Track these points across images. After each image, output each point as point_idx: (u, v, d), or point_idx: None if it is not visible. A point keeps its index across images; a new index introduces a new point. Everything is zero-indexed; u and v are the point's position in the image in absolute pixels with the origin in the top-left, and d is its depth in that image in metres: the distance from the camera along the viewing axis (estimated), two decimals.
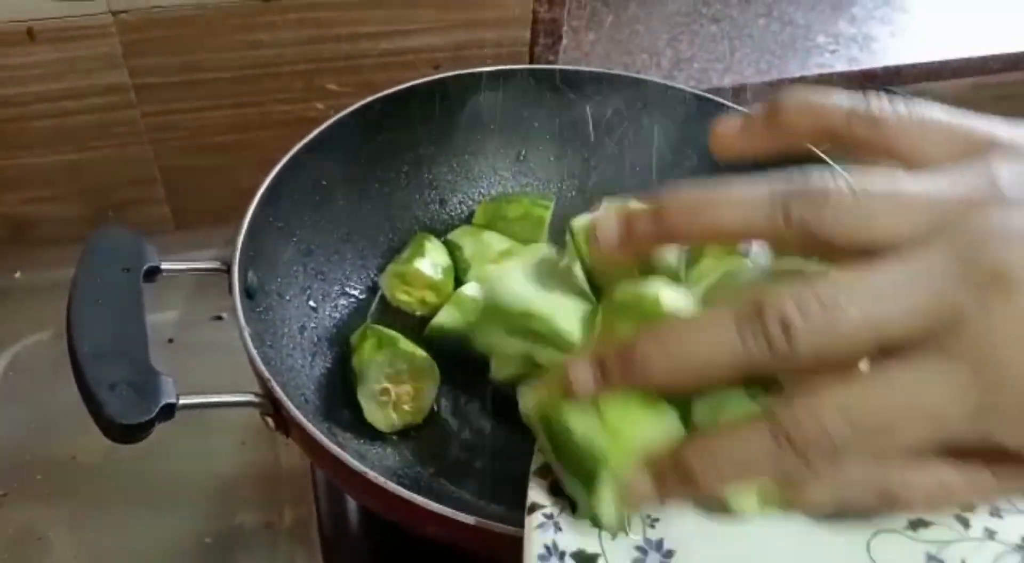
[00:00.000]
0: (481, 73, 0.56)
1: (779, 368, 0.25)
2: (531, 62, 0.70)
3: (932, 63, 0.82)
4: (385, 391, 0.44)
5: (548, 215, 0.57)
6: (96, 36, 0.60)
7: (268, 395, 0.38)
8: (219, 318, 0.58)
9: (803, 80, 0.78)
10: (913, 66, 0.82)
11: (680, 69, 0.78)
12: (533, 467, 0.29)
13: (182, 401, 0.36)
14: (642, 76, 0.59)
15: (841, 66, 0.80)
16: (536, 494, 0.28)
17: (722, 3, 0.88)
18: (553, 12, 0.67)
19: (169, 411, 0.35)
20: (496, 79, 0.57)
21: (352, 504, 0.49)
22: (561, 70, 0.59)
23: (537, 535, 0.27)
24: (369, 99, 0.54)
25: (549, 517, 0.28)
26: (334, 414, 0.46)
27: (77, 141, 0.65)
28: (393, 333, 0.48)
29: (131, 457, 0.49)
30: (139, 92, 0.63)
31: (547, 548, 0.27)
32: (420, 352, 0.47)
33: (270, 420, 0.39)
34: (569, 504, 0.29)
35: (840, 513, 0.27)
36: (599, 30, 0.83)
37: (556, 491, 0.29)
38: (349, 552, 0.48)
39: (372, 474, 0.34)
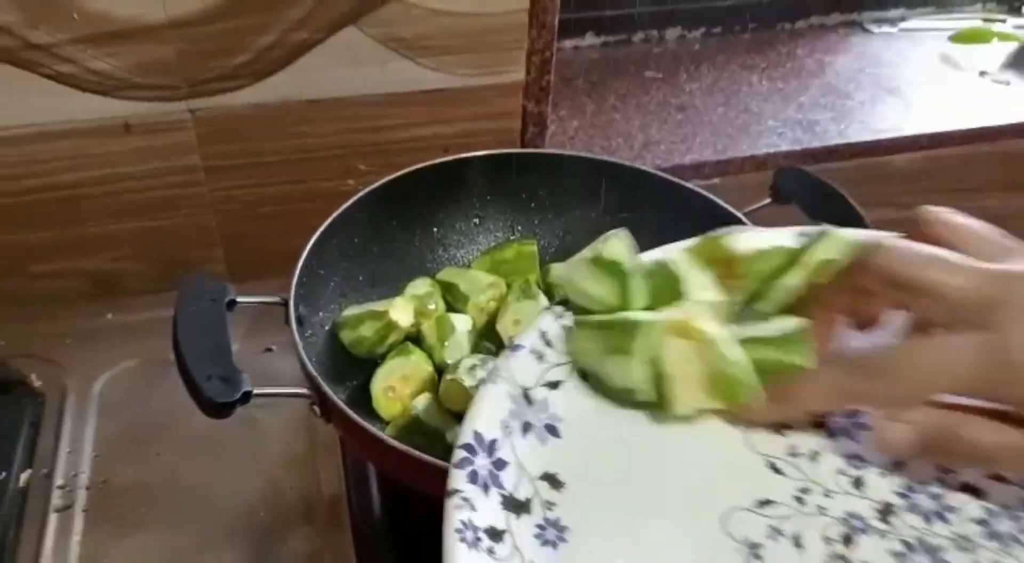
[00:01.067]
0: (476, 156, 0.72)
1: None
2: (522, 147, 0.86)
3: (866, 142, 0.97)
4: (390, 388, 0.58)
5: (536, 250, 0.71)
6: (177, 129, 0.76)
7: (316, 389, 0.52)
8: (269, 350, 0.72)
9: (752, 158, 0.93)
10: (848, 145, 0.97)
11: (648, 150, 0.94)
12: (453, 460, 0.34)
13: (256, 390, 0.50)
14: (591, 155, 0.74)
15: (786, 146, 0.95)
16: (456, 481, 0.33)
17: (688, 95, 1.04)
18: (539, 107, 0.83)
19: (247, 397, 0.49)
20: (489, 160, 0.73)
21: (375, 487, 0.62)
22: (541, 153, 0.75)
23: (455, 513, 0.32)
24: (390, 177, 0.69)
25: (465, 500, 0.32)
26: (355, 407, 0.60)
27: (155, 211, 0.80)
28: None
29: (205, 450, 0.64)
30: (208, 173, 0.79)
31: (463, 523, 0.31)
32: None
33: (317, 409, 0.53)
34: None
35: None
36: (582, 118, 0.99)
37: (473, 479, 0.33)
38: (373, 525, 0.61)
39: (387, 438, 0.48)
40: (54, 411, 0.66)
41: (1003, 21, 1.25)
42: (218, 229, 0.83)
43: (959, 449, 0.33)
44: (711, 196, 0.69)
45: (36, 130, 0.72)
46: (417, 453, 0.47)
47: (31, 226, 0.77)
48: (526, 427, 0.36)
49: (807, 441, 0.37)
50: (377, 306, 0.65)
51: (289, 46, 0.73)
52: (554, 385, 0.37)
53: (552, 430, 0.36)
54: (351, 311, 0.65)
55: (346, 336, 0.64)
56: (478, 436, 0.34)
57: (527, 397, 0.37)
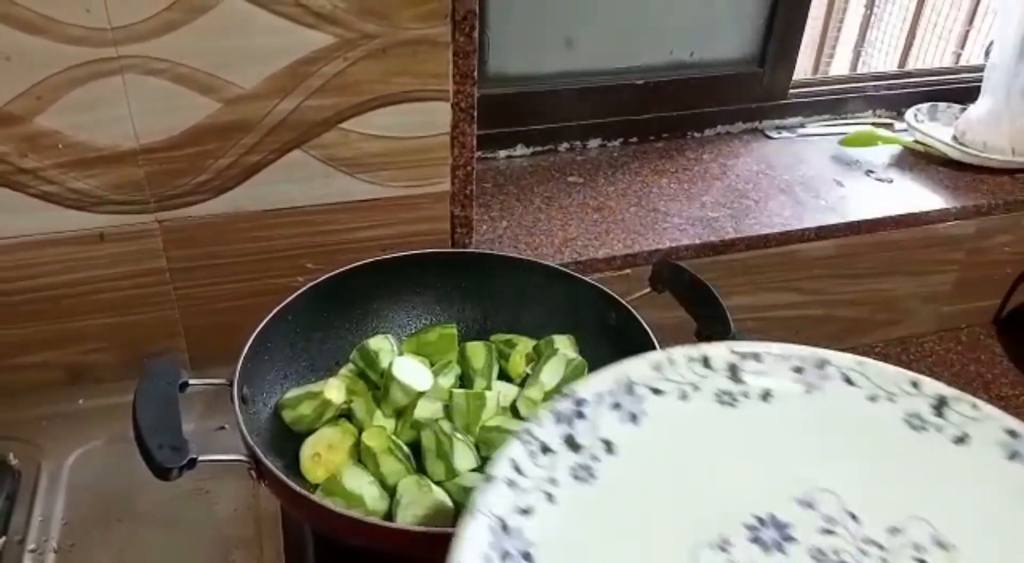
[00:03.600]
0: (405, 256, 0.84)
1: None
2: (452, 246, 0.98)
3: (758, 236, 1.11)
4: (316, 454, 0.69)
5: (455, 332, 0.82)
6: (146, 237, 0.87)
7: (252, 455, 0.62)
8: (222, 429, 0.82)
9: (657, 251, 1.06)
10: (743, 238, 1.10)
11: (567, 246, 1.06)
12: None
13: (201, 457, 0.60)
14: (501, 253, 0.87)
15: (687, 240, 1.09)
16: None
17: (604, 197, 1.17)
18: (465, 211, 0.96)
19: (192, 463, 0.59)
20: (416, 259, 0.85)
21: (310, 543, 0.72)
22: (461, 252, 0.87)
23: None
24: (328, 274, 0.81)
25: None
26: (291, 474, 0.69)
27: (126, 308, 0.91)
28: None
29: (162, 516, 0.73)
30: (172, 274, 0.90)
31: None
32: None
33: (254, 473, 0.63)
34: None
35: None
36: (511, 218, 1.12)
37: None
38: (304, 560, 0.70)
39: (311, 495, 0.58)
40: (29, 485, 0.75)
41: (890, 125, 1.42)
42: (181, 322, 0.94)
43: None
44: (602, 287, 0.81)
45: (23, 240, 0.83)
46: (336, 507, 0.57)
47: (16, 323, 0.88)
48: (504, 556, 0.39)
49: None
50: (314, 387, 0.75)
51: (244, 166, 0.86)
52: (526, 512, 0.42)
53: (527, 557, 0.40)
54: (292, 393, 0.76)
55: (287, 415, 0.75)
56: None
57: (504, 527, 0.41)
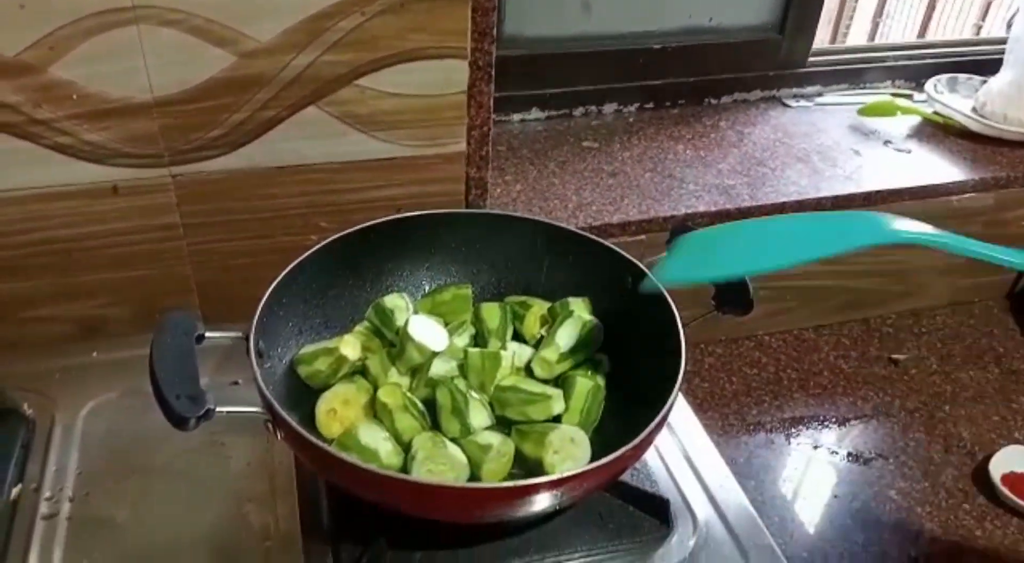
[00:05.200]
0: (421, 215, 0.83)
1: None
2: (466, 207, 0.98)
3: (774, 204, 1.10)
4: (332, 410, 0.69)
5: (469, 293, 0.82)
6: (159, 191, 0.87)
7: (269, 407, 0.62)
8: (236, 383, 0.82)
9: (672, 218, 1.05)
10: (758, 206, 1.09)
11: (581, 210, 1.06)
12: None
13: (218, 408, 0.60)
14: (518, 214, 0.86)
15: (703, 207, 1.08)
16: None
17: (619, 162, 1.16)
18: (480, 173, 0.95)
19: (209, 413, 0.59)
20: (432, 219, 0.84)
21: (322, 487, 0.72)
22: (476, 212, 0.87)
23: None
24: (344, 232, 0.80)
25: None
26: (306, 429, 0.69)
27: (138, 263, 0.91)
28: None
29: (176, 469, 0.73)
30: (186, 229, 0.90)
31: None
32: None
33: (270, 426, 0.62)
34: None
35: None
36: (525, 182, 1.11)
37: None
38: (317, 516, 0.70)
39: (327, 447, 0.58)
40: (43, 435, 0.76)
41: (910, 97, 1.40)
42: (194, 278, 0.93)
43: None
44: (619, 250, 0.80)
45: (36, 192, 0.82)
46: (351, 459, 0.57)
47: (28, 276, 0.87)
48: None
49: None
50: (330, 343, 0.75)
51: (259, 122, 0.85)
52: None
53: None
54: (307, 349, 0.75)
55: (303, 370, 0.75)
56: None
57: None
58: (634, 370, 0.76)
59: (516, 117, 1.24)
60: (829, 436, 1.08)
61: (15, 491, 0.70)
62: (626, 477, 0.74)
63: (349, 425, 0.69)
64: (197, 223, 0.90)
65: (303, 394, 0.74)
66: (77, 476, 0.72)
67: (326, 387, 0.74)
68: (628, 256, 0.78)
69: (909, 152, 1.25)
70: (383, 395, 0.70)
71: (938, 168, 1.20)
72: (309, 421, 0.72)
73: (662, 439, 0.80)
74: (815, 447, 1.06)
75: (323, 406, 0.70)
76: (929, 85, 1.36)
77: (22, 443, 0.74)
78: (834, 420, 1.10)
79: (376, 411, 0.71)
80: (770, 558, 0.70)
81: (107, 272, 0.90)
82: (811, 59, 1.35)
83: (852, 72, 1.39)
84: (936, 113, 1.32)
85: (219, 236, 0.91)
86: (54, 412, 0.78)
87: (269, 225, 0.92)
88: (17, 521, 0.68)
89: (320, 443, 0.60)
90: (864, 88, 1.42)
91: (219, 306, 0.96)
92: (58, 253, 0.87)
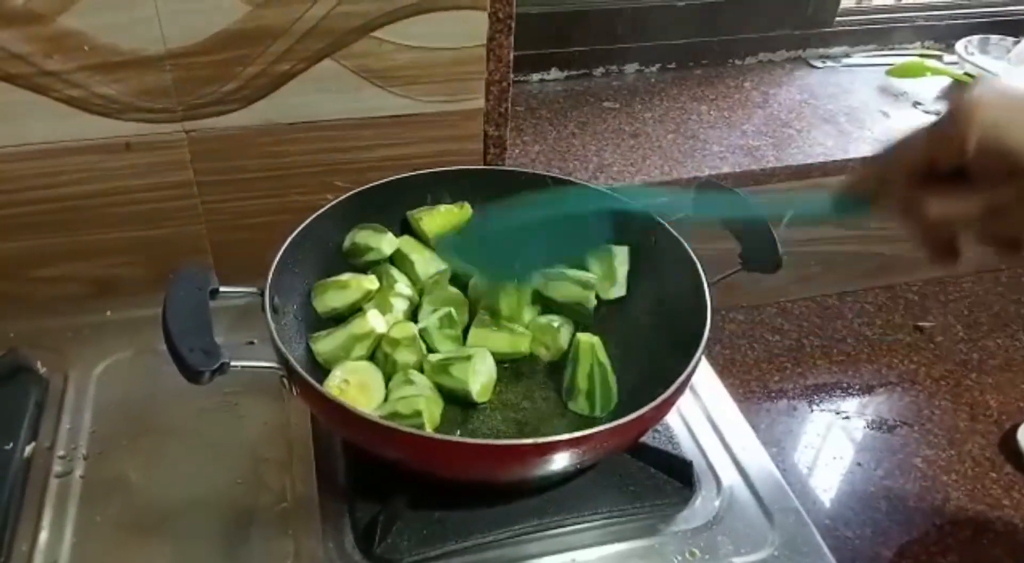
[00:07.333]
0: (437, 172, 0.81)
1: None
2: (484, 166, 0.95)
3: (800, 165, 1.07)
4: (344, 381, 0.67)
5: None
6: (172, 147, 0.85)
7: (284, 362, 0.60)
8: (251, 343, 0.81)
9: (695, 179, 1.03)
10: (784, 168, 1.06)
11: (602, 171, 1.03)
12: None
13: (232, 362, 0.58)
14: (533, 171, 0.84)
15: (727, 168, 1.05)
16: None
17: (641, 123, 1.13)
18: (499, 131, 0.93)
19: (223, 367, 0.58)
20: (448, 175, 0.82)
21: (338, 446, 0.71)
22: (492, 169, 0.85)
23: None
24: (359, 188, 0.78)
25: None
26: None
27: (151, 221, 0.89)
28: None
29: (186, 427, 0.72)
30: (200, 187, 0.88)
31: None
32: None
33: (285, 381, 0.61)
34: None
35: None
36: (543, 143, 1.08)
37: None
38: (334, 475, 0.69)
39: (347, 403, 0.56)
40: (57, 393, 0.75)
41: (939, 57, 1.36)
42: (208, 237, 0.92)
43: None
44: (643, 208, 0.78)
45: (46, 147, 0.81)
46: (370, 415, 0.56)
47: (39, 234, 0.86)
48: None
49: None
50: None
51: (273, 75, 0.82)
52: None
53: None
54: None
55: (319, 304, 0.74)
56: None
57: None
58: (658, 331, 0.74)
59: (535, 77, 1.22)
60: (852, 403, 1.06)
61: (29, 449, 0.69)
62: (647, 439, 0.72)
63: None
64: (211, 181, 0.88)
65: (317, 366, 0.72)
66: (91, 435, 0.71)
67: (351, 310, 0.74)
68: (654, 214, 0.76)
69: (939, 114, 1.21)
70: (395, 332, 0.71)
71: None
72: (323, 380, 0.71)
73: (685, 401, 0.78)
74: (838, 414, 1.04)
75: (338, 373, 0.69)
76: (960, 46, 1.31)
77: (36, 401, 0.73)
78: (858, 387, 1.08)
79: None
80: (796, 521, 0.68)
81: (120, 230, 0.89)
82: (838, 19, 1.31)
83: (880, 32, 1.35)
84: (967, 74, 1.28)
85: (233, 194, 0.90)
86: (68, 371, 0.77)
87: (284, 183, 0.90)
88: (31, 479, 0.67)
89: (335, 397, 0.58)
90: (892, 49, 1.38)
91: (233, 266, 0.93)
92: (70, 210, 0.86)
